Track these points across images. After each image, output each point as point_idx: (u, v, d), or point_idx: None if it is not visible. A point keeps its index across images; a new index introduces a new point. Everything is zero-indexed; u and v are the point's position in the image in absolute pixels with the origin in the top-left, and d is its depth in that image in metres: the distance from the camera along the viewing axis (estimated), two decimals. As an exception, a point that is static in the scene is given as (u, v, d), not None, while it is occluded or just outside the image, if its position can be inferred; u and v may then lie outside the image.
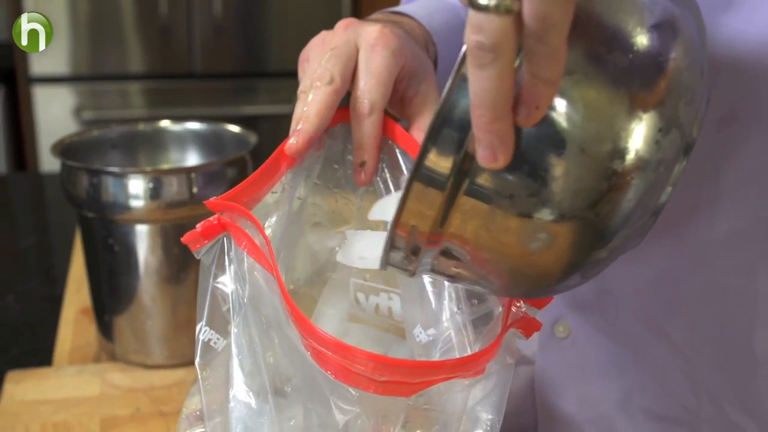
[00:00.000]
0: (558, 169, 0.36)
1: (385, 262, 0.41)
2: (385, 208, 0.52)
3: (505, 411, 0.71)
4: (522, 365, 0.70)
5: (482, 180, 0.36)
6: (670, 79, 0.37)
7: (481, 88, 0.32)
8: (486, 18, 0.30)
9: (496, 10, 0.30)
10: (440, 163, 0.36)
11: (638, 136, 0.36)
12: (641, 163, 0.37)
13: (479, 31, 0.30)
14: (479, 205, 0.37)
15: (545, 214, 0.37)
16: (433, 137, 0.36)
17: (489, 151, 0.34)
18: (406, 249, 0.40)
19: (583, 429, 0.67)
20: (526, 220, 0.37)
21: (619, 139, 0.36)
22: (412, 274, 0.42)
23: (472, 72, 0.32)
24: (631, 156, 0.36)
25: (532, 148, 0.36)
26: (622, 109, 0.36)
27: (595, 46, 0.36)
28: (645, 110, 0.36)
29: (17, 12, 2.30)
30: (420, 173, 0.36)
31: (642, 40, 0.37)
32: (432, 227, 0.38)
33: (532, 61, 0.32)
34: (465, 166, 0.36)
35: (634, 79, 0.36)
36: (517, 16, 0.30)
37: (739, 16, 0.49)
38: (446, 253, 0.40)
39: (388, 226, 0.39)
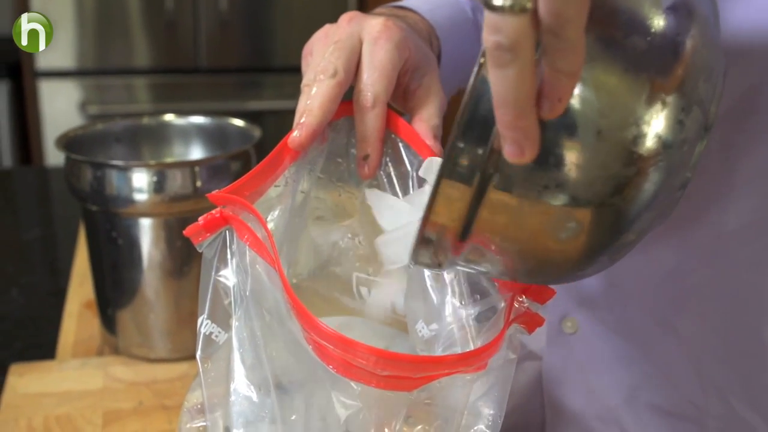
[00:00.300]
0: (583, 158, 0.36)
1: (415, 259, 0.42)
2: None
3: (512, 406, 0.71)
4: (529, 361, 0.70)
5: (509, 174, 0.37)
6: (688, 58, 0.37)
7: (502, 87, 0.32)
8: (502, 18, 0.30)
9: (511, 10, 0.30)
10: (467, 160, 0.37)
11: (661, 119, 0.37)
12: (665, 146, 0.37)
13: (496, 31, 0.30)
14: (507, 198, 0.37)
15: (573, 204, 0.37)
16: (458, 136, 0.36)
17: (515, 147, 0.34)
18: (436, 245, 0.40)
19: (590, 424, 0.67)
20: (554, 211, 0.37)
21: (643, 123, 0.36)
22: (440, 268, 0.43)
23: (492, 72, 0.32)
24: (655, 139, 0.37)
25: (557, 140, 0.36)
26: (644, 93, 0.36)
27: (612, 32, 0.36)
28: (666, 92, 0.37)
29: (23, 6, 2.30)
30: (448, 171, 0.37)
31: (659, 21, 0.37)
32: (461, 223, 0.38)
33: (552, 55, 0.32)
34: (492, 162, 0.36)
35: (654, 62, 0.37)
36: (533, 14, 0.30)
37: (746, 5, 0.49)
38: (475, 247, 0.40)
39: (418, 224, 0.39)
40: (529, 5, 0.30)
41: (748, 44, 0.49)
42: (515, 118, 0.33)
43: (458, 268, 0.43)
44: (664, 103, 0.37)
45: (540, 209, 0.37)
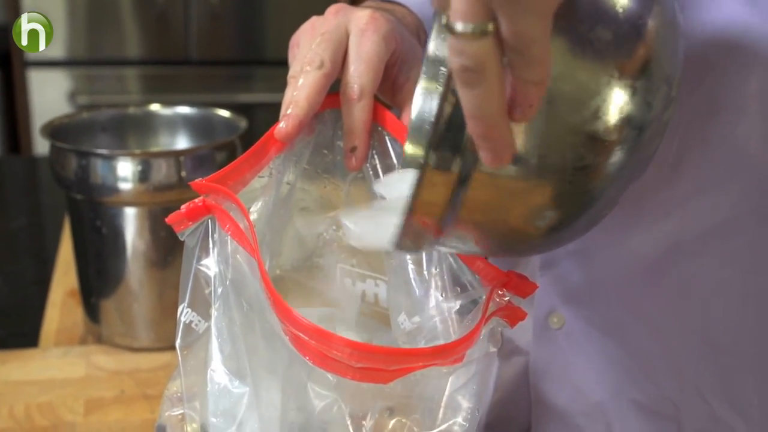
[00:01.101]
0: (558, 153, 0.37)
1: (399, 245, 0.42)
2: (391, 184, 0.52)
3: (498, 400, 0.71)
4: (516, 356, 0.69)
5: (486, 172, 0.37)
6: (653, 40, 0.38)
7: (472, 105, 0.32)
8: (465, 43, 0.30)
9: (472, 35, 0.30)
10: (445, 158, 0.37)
11: (631, 104, 0.37)
12: (636, 128, 0.38)
13: (461, 54, 0.31)
14: (486, 194, 0.38)
15: (549, 195, 0.38)
16: (435, 136, 0.36)
17: (491, 153, 0.34)
18: (418, 232, 0.41)
19: (576, 420, 0.67)
20: (532, 203, 0.38)
21: (615, 112, 0.37)
22: (420, 250, 0.43)
23: (461, 91, 0.32)
24: (627, 125, 0.37)
25: (532, 138, 0.37)
26: (613, 82, 0.37)
27: (577, 25, 0.37)
28: (634, 78, 0.37)
29: (13, -3, 2.29)
30: (429, 166, 0.37)
31: (621, 7, 0.37)
32: (443, 215, 0.39)
33: (518, 69, 0.32)
34: (469, 161, 0.37)
35: (620, 50, 0.37)
36: (497, 33, 0.30)
37: (702, 13, 0.49)
38: (456, 231, 0.41)
39: (402, 215, 0.40)
40: (490, 28, 0.30)
41: (706, 51, 0.49)
42: (488, 129, 0.33)
43: (439, 248, 0.44)
44: (633, 89, 0.37)
45: (517, 202, 0.38)
